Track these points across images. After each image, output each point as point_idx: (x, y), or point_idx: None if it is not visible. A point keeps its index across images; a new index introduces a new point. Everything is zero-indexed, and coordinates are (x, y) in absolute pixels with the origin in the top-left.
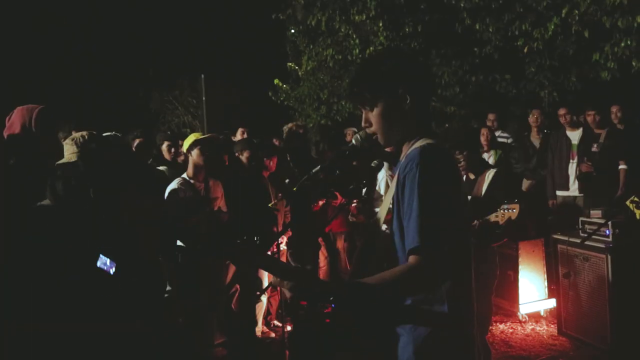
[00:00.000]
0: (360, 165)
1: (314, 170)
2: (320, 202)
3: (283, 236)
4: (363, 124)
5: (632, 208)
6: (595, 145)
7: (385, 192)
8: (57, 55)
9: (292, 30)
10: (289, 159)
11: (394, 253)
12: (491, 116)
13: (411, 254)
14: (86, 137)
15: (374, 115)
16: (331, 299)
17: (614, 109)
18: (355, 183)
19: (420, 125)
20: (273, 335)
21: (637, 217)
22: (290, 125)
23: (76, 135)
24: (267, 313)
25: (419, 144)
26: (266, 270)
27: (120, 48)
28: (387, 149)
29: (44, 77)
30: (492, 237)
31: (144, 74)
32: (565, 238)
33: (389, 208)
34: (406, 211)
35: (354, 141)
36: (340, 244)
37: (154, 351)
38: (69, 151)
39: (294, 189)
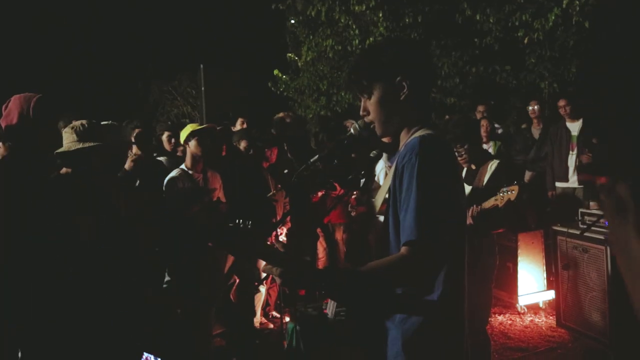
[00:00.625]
0: (358, 155)
1: (311, 160)
2: (319, 193)
3: (282, 227)
4: (361, 112)
5: None
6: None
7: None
8: (57, 55)
9: (292, 21)
10: (285, 148)
11: (387, 242)
12: (480, 108)
13: (405, 244)
14: (86, 125)
15: (371, 104)
16: (322, 285)
17: None
18: (354, 173)
19: (419, 115)
20: (271, 326)
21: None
22: (280, 115)
23: (76, 123)
24: (266, 304)
25: (418, 134)
26: (261, 258)
27: (119, 40)
28: (384, 139)
29: (44, 76)
30: (491, 224)
31: (143, 66)
32: (565, 229)
33: (385, 198)
34: (404, 201)
35: (352, 130)
36: (339, 235)
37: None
38: (69, 139)
39: (293, 179)
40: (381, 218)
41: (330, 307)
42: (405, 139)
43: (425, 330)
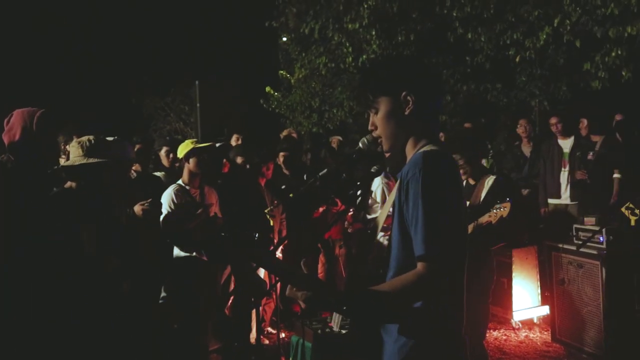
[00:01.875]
0: (361, 170)
1: (320, 174)
2: (321, 209)
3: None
4: (369, 127)
5: (627, 214)
6: (590, 154)
7: (382, 199)
8: (51, 60)
9: (284, 39)
10: (280, 163)
11: (388, 258)
12: (467, 125)
13: (420, 261)
14: (93, 141)
15: (378, 119)
16: (344, 309)
17: (617, 117)
18: (355, 189)
19: (425, 130)
20: (267, 342)
21: (632, 223)
22: (286, 132)
23: (83, 138)
24: (261, 320)
25: (423, 149)
26: (286, 281)
27: (114, 56)
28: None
29: (38, 83)
30: (491, 240)
31: (136, 82)
32: (560, 245)
33: (389, 214)
34: (412, 218)
35: (361, 145)
36: (338, 250)
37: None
38: (75, 154)
39: (290, 195)
40: (380, 235)
41: (335, 320)
42: (411, 153)
43: (424, 345)
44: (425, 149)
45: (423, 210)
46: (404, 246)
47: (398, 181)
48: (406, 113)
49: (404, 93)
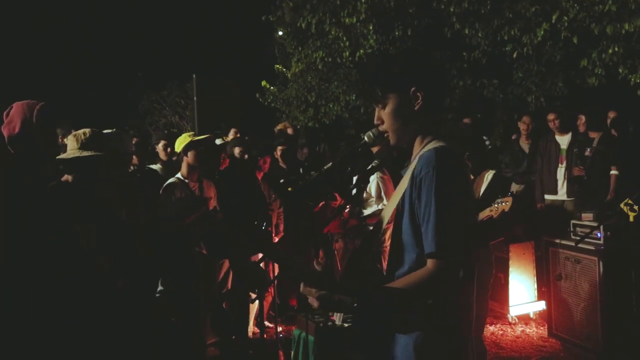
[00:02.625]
0: (363, 165)
1: (325, 168)
2: (321, 204)
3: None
4: (375, 121)
5: (626, 210)
6: (588, 150)
7: (377, 193)
8: (50, 56)
9: (280, 33)
10: (277, 157)
11: (401, 255)
12: (466, 120)
13: (430, 258)
14: (88, 134)
15: (385, 113)
16: (358, 308)
17: (611, 114)
18: (354, 183)
19: (432, 126)
20: (264, 336)
21: (631, 219)
22: (280, 125)
23: (79, 132)
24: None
25: (431, 145)
26: (298, 278)
27: (112, 51)
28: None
29: (31, 79)
30: (490, 235)
31: (134, 76)
32: (557, 241)
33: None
34: (424, 214)
35: (366, 138)
36: (335, 245)
37: (148, 351)
38: (70, 147)
39: (289, 189)
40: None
41: (337, 314)
42: (419, 149)
43: (436, 338)
44: (434, 145)
45: (435, 208)
46: (417, 243)
47: (409, 177)
48: (415, 109)
49: (413, 89)
